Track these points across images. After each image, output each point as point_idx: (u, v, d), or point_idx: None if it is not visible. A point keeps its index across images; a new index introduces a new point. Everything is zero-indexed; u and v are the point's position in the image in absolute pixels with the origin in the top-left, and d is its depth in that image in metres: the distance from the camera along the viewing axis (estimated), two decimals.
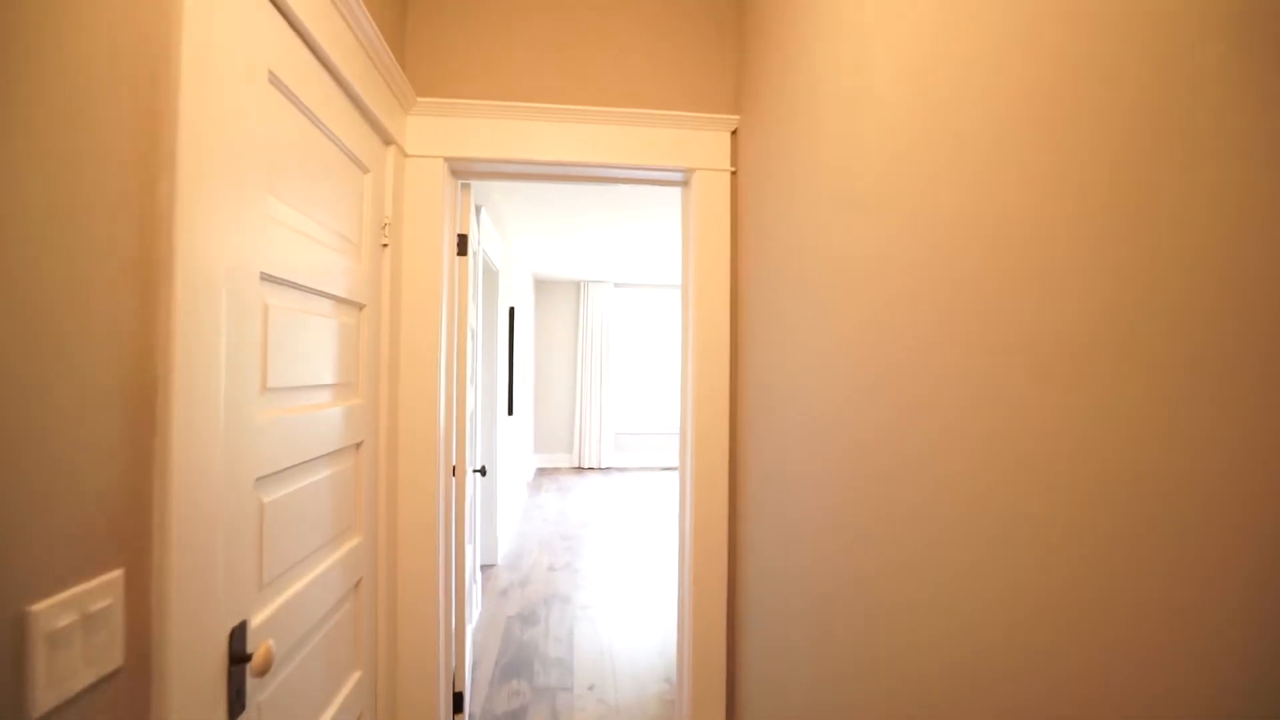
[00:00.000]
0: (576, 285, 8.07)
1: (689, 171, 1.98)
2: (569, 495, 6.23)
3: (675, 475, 7.42)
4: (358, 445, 1.53)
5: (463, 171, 1.96)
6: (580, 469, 7.82)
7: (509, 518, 4.83)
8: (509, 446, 4.89)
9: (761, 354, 1.79)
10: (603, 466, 7.85)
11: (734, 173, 1.99)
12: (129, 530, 0.73)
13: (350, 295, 1.45)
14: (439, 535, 1.87)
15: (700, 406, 2.03)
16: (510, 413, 4.84)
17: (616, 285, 8.11)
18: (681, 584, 2.05)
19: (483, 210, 2.82)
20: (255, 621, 1.00)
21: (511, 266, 5.08)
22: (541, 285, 8.03)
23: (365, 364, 1.58)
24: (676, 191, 3.99)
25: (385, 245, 1.70)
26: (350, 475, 1.49)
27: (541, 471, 7.60)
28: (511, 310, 4.87)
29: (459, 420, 2.09)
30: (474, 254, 2.46)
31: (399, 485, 1.83)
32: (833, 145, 1.26)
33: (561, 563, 4.12)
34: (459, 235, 2.08)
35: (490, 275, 4.02)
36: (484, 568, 4.02)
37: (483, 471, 2.61)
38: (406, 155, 1.83)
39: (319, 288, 1.27)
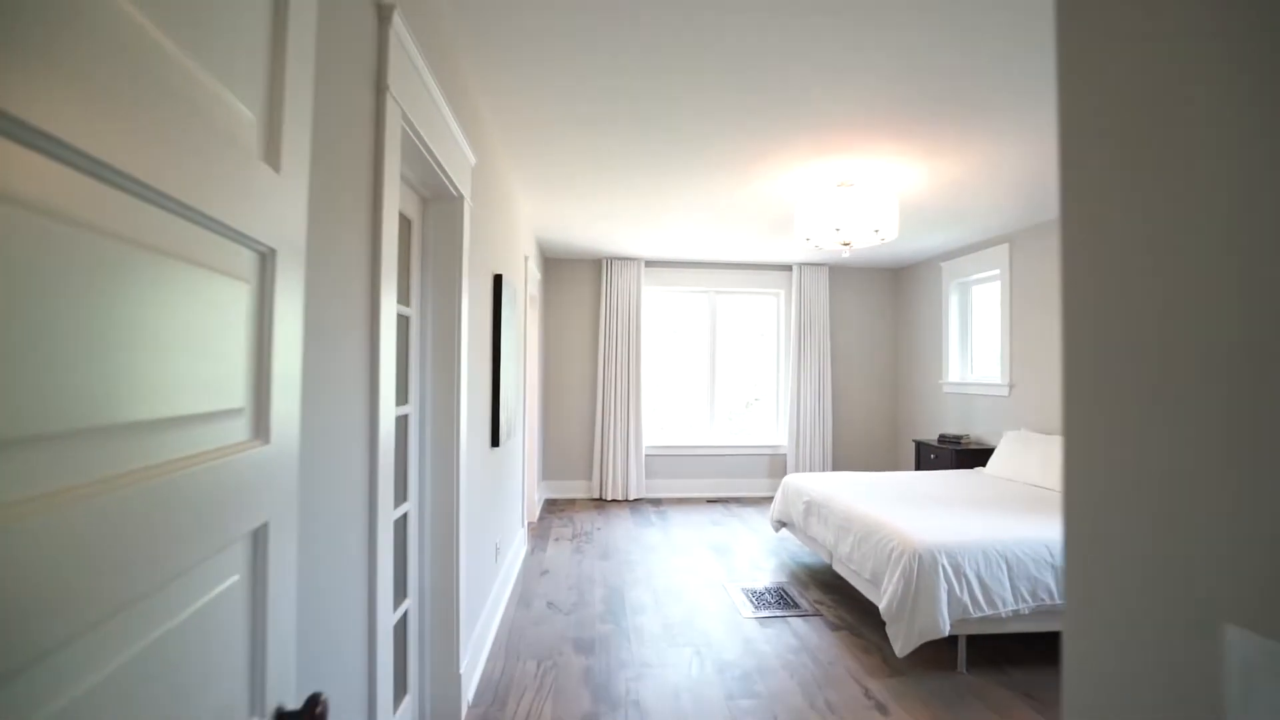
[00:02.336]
0: (598, 264, 6.28)
1: None
2: (590, 548, 4.44)
3: (731, 510, 5.61)
4: None
5: None
6: (601, 501, 6.03)
7: (489, 606, 3.05)
8: (488, 496, 3.11)
9: None
10: (632, 498, 6.05)
11: None
12: None
13: None
14: None
15: None
16: (495, 443, 3.06)
17: (649, 264, 6.30)
18: None
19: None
20: None
21: (498, 211, 3.30)
22: (553, 263, 6.25)
23: None
24: None
25: None
26: None
27: (551, 506, 5.82)
28: (498, 281, 3.09)
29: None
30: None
31: None
32: None
33: (583, 709, 2.32)
34: None
35: (444, 208, 2.24)
36: None
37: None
38: None
39: None
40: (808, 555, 4.32)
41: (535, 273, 4.97)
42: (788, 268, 6.44)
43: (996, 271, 5.01)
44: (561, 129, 2.90)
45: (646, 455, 6.25)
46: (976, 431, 5.22)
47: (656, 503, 6.00)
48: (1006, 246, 4.86)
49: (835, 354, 6.52)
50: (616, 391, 6.05)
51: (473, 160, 2.39)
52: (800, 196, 3.83)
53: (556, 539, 4.71)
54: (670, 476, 6.30)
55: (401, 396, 2.04)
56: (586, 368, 6.25)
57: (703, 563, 4.16)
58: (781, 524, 4.30)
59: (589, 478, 6.22)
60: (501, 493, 3.35)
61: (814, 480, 4.05)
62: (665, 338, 6.49)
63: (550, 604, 3.42)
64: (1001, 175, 3.47)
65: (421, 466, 2.18)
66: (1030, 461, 4.09)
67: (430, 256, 2.22)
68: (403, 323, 2.07)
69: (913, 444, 5.99)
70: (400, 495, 2.02)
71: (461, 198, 2.24)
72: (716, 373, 6.43)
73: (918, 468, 5.33)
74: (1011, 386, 4.81)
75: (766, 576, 3.89)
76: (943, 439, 5.22)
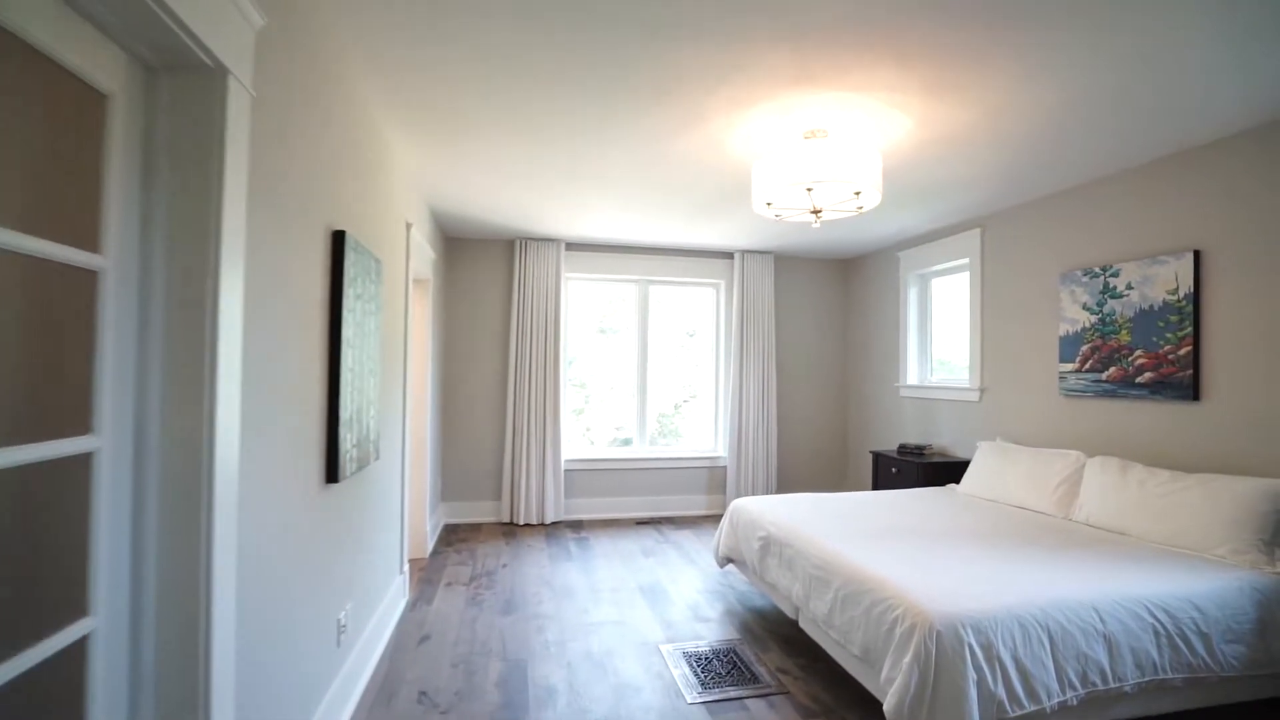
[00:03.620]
0: (510, 245, 5.31)
1: None
2: (490, 596, 3.50)
3: (665, 535, 4.79)
4: None
5: None
6: (512, 526, 5.07)
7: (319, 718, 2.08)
8: (319, 556, 2.14)
9: None
10: (548, 521, 5.12)
11: None
12: None
13: None
14: None
15: None
16: (333, 477, 2.09)
17: (570, 247, 5.39)
18: None
19: None
20: None
21: (339, 132, 2.32)
22: (456, 243, 5.23)
23: None
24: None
25: None
26: None
27: (451, 534, 4.81)
28: (338, 242, 2.11)
29: None
30: None
31: None
32: None
33: None
34: None
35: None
36: None
37: None
38: None
39: None
40: (761, 596, 3.55)
41: (427, 249, 3.98)
42: (729, 255, 5.70)
43: (965, 261, 4.44)
44: (443, 47, 1.96)
45: (566, 470, 5.34)
46: (940, 441, 4.63)
47: (577, 527, 5.10)
48: (978, 232, 4.29)
49: (781, 353, 5.84)
50: (532, 396, 5.11)
51: (258, 21, 1.43)
52: (759, 150, 3.05)
53: (449, 583, 3.73)
54: (594, 495, 5.41)
55: (65, 418, 1.07)
56: (494, 368, 5.27)
57: (633, 613, 3.30)
58: (729, 560, 3.51)
59: (497, 498, 5.24)
60: (349, 545, 2.37)
61: (771, 508, 3.28)
62: (589, 333, 5.60)
63: (423, 695, 2.46)
64: (1000, 131, 2.80)
65: (137, 543, 1.21)
66: (1014, 478, 3.48)
67: (162, 168, 1.25)
68: (76, 281, 1.09)
69: (870, 455, 5.38)
70: (68, 607, 1.05)
71: (222, 72, 1.28)
72: (649, 374, 5.60)
73: (876, 483, 4.70)
74: (982, 391, 4.24)
75: (713, 630, 3.09)
76: (904, 450, 4.61)
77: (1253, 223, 2.76)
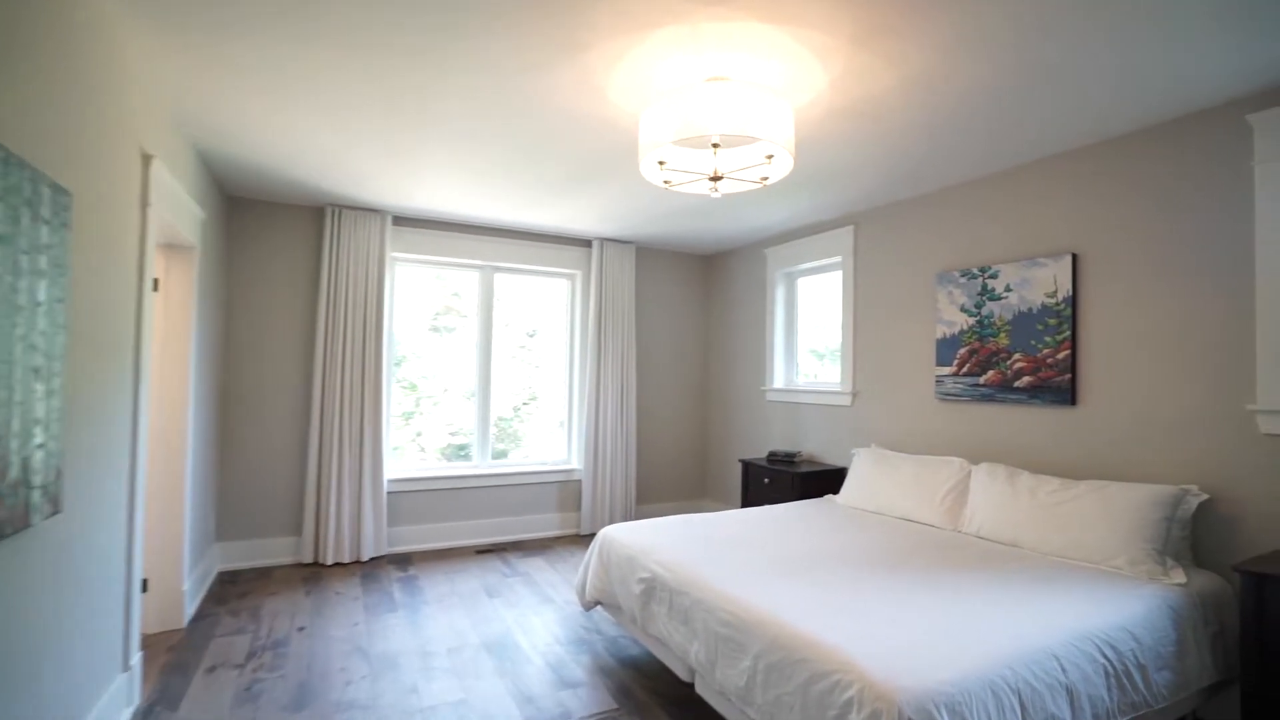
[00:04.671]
0: (319, 213, 4.23)
1: None
2: (273, 687, 2.52)
3: (513, 565, 4.04)
4: None
5: None
6: (317, 567, 4.00)
7: None
8: None
9: None
10: (366, 558, 4.13)
11: None
12: None
13: None
14: None
15: None
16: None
17: (399, 221, 4.44)
18: None
19: None
20: None
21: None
22: (242, 205, 4.03)
23: None
24: None
25: None
26: None
27: (229, 586, 3.64)
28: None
29: None
30: None
31: None
32: None
33: None
34: None
35: None
36: None
37: None
38: None
39: None
40: (636, 642, 2.98)
41: (189, 204, 2.87)
42: (587, 243, 5.09)
43: (837, 259, 4.26)
44: None
45: (391, 493, 4.37)
46: (809, 447, 4.42)
47: (404, 562, 4.17)
48: (851, 230, 4.12)
49: (642, 354, 5.35)
50: (346, 402, 4.09)
51: None
52: (651, 97, 2.47)
53: (213, 667, 2.68)
54: (425, 520, 4.50)
55: None
56: (296, 368, 4.16)
57: (479, 685, 2.55)
58: (598, 603, 2.89)
59: (296, 533, 4.12)
60: None
61: (651, 541, 2.71)
62: (424, 327, 4.67)
63: None
64: (917, 105, 2.51)
65: None
66: (898, 488, 3.28)
67: None
68: None
69: (739, 464, 5.07)
70: None
71: None
72: (493, 375, 4.81)
73: (746, 494, 4.37)
74: (855, 395, 4.07)
75: (584, 700, 2.44)
76: (774, 458, 4.33)
77: (1126, 227, 2.74)
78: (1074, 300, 2.90)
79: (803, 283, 4.73)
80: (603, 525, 4.90)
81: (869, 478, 3.48)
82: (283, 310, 4.13)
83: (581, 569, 3.03)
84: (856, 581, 2.19)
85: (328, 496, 4.02)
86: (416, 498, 4.45)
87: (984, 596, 2.05)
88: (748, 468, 4.36)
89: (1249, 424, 2.37)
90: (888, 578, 2.24)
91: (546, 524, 4.88)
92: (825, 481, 4.00)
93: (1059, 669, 1.68)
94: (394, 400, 4.48)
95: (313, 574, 3.87)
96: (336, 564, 4.05)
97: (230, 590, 3.57)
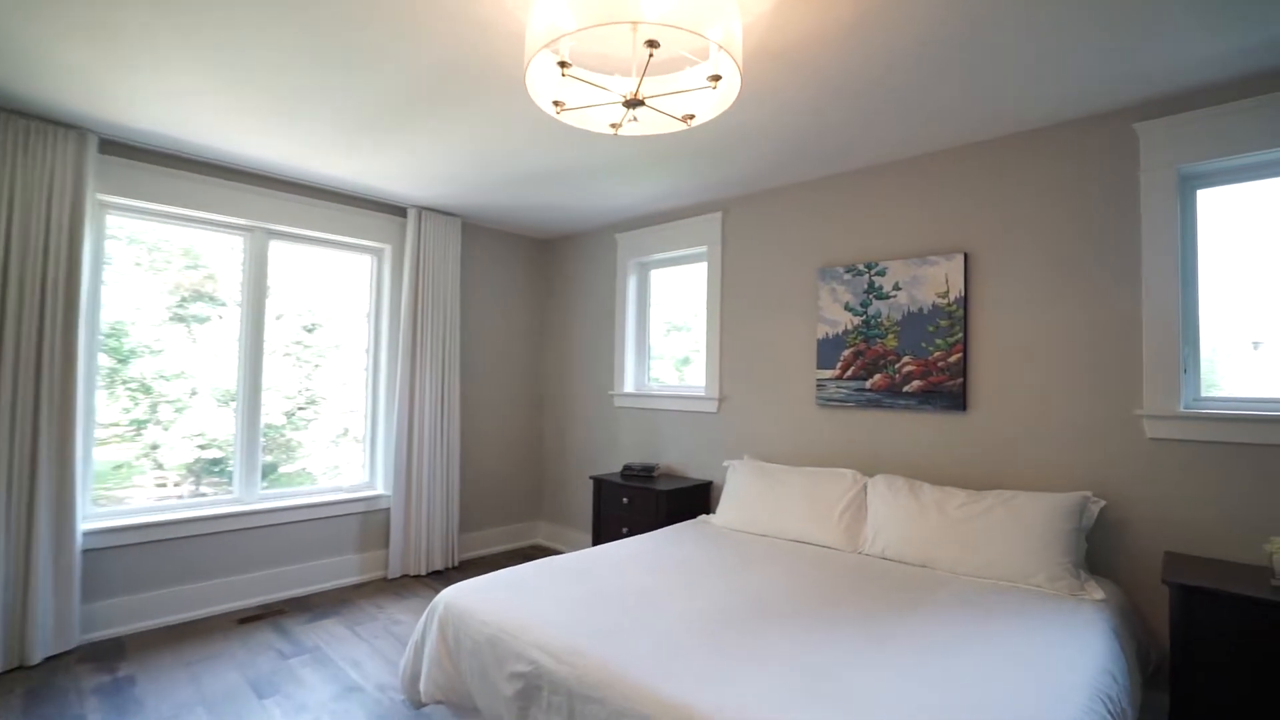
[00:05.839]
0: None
1: None
2: None
3: (291, 636, 2.91)
4: None
5: None
6: None
7: None
8: None
9: None
10: (37, 661, 2.68)
11: None
12: None
13: None
14: None
15: None
16: None
17: (109, 145, 3.03)
18: None
19: None
20: None
21: None
22: None
23: None
24: None
25: None
26: None
27: None
28: None
29: None
30: None
31: None
32: None
33: None
34: None
35: None
36: None
37: None
38: None
39: None
40: None
41: None
42: (400, 211, 4.07)
43: (702, 249, 3.84)
44: None
45: (90, 549, 2.94)
46: (669, 459, 3.94)
47: (111, 657, 2.80)
48: (719, 217, 3.72)
49: (469, 352, 4.45)
50: (13, 415, 2.62)
51: None
52: None
53: None
54: (152, 584, 3.13)
55: None
56: None
57: None
58: (439, 702, 2.04)
59: None
60: None
61: (518, 606, 1.95)
62: (157, 313, 3.27)
63: None
64: (858, 54, 2.11)
65: None
66: (785, 505, 2.92)
67: None
68: None
69: (590, 482, 4.41)
70: None
71: None
72: (262, 374, 3.57)
73: (599, 518, 3.74)
74: (722, 400, 3.68)
75: None
76: (629, 472, 3.78)
77: (1018, 228, 2.66)
78: (966, 301, 2.77)
79: (660, 275, 4.26)
80: (418, 562, 3.91)
81: (750, 494, 3.08)
82: None
83: (409, 650, 2.14)
84: (806, 644, 1.69)
85: None
86: (136, 553, 3.07)
87: (968, 652, 1.67)
88: (601, 485, 3.74)
89: (1136, 429, 2.37)
90: (841, 632, 1.77)
91: (342, 569, 3.76)
92: (693, 498, 3.55)
93: None
94: (109, 408, 3.05)
95: None
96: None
97: None
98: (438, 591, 3.58)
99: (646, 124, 1.90)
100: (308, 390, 3.81)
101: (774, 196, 3.47)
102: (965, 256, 2.78)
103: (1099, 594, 2.13)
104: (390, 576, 3.85)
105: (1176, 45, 1.98)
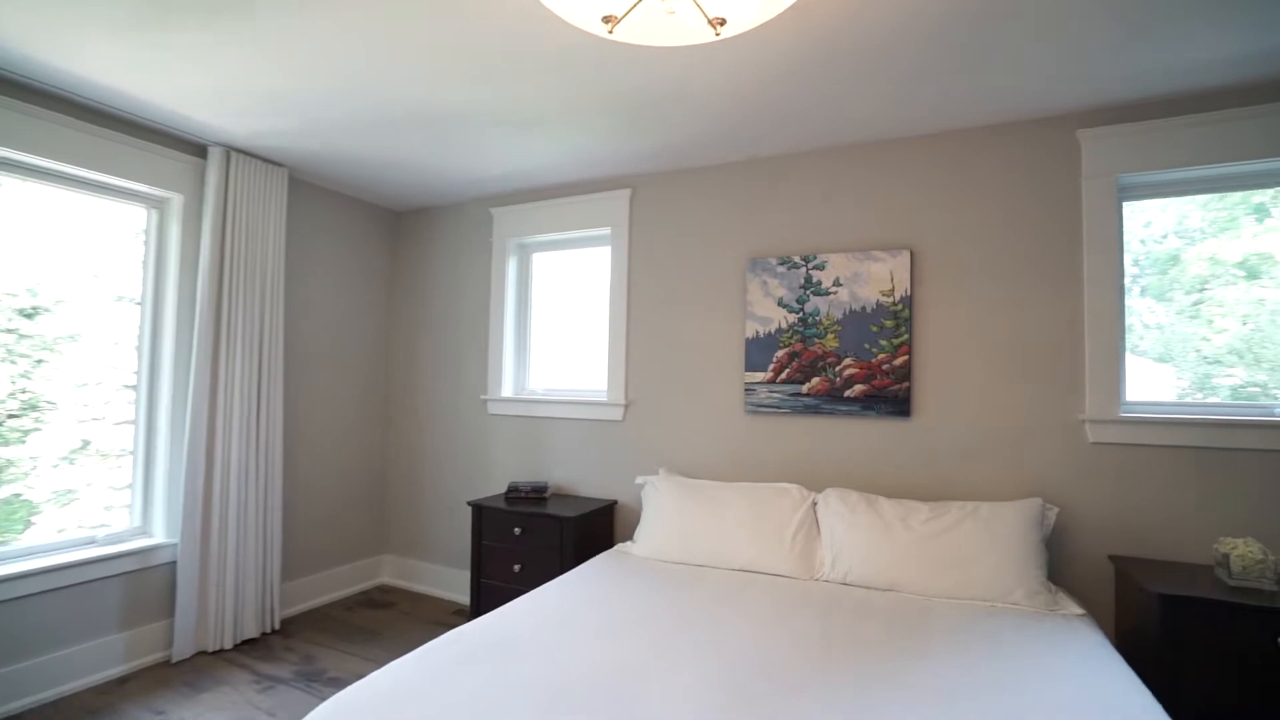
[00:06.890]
0: None
1: None
2: None
3: None
4: None
5: None
6: None
7: None
8: None
9: None
10: None
11: None
12: None
13: None
14: None
15: None
16: None
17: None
18: None
19: None
20: None
21: None
22: None
23: None
24: None
25: None
26: None
27: None
28: None
29: None
30: None
31: None
32: None
33: None
34: None
35: None
36: None
37: None
38: None
39: None
40: None
41: None
42: (200, 148, 2.97)
43: (605, 230, 3.32)
44: None
45: None
46: (561, 476, 3.35)
47: None
48: (627, 195, 3.23)
49: (294, 344, 3.43)
50: None
51: None
52: None
53: None
54: None
55: None
56: None
57: None
58: None
59: None
60: None
61: None
62: None
63: None
64: (840, 32, 1.76)
65: None
66: (725, 528, 2.52)
67: None
68: None
69: (469, 509, 3.61)
70: None
71: None
72: None
73: (479, 552, 3.02)
74: (628, 406, 3.19)
75: None
76: (515, 495, 3.14)
77: (964, 227, 2.56)
78: (911, 301, 2.61)
79: (545, 258, 3.64)
80: (221, 632, 2.87)
81: (677, 517, 2.64)
82: None
83: None
84: None
85: None
86: None
87: (1019, 713, 1.38)
88: (482, 513, 3.04)
89: (1079, 433, 2.35)
90: (875, 695, 1.40)
91: (102, 658, 2.59)
92: (601, 523, 3.01)
93: None
94: None
95: None
96: None
97: None
98: (254, 672, 2.62)
99: (650, 28, 1.36)
100: (25, 393, 2.58)
101: (697, 176, 3.08)
102: (911, 254, 2.62)
103: (1076, 608, 2.03)
104: (177, 659, 2.76)
105: (1120, 55, 1.96)
